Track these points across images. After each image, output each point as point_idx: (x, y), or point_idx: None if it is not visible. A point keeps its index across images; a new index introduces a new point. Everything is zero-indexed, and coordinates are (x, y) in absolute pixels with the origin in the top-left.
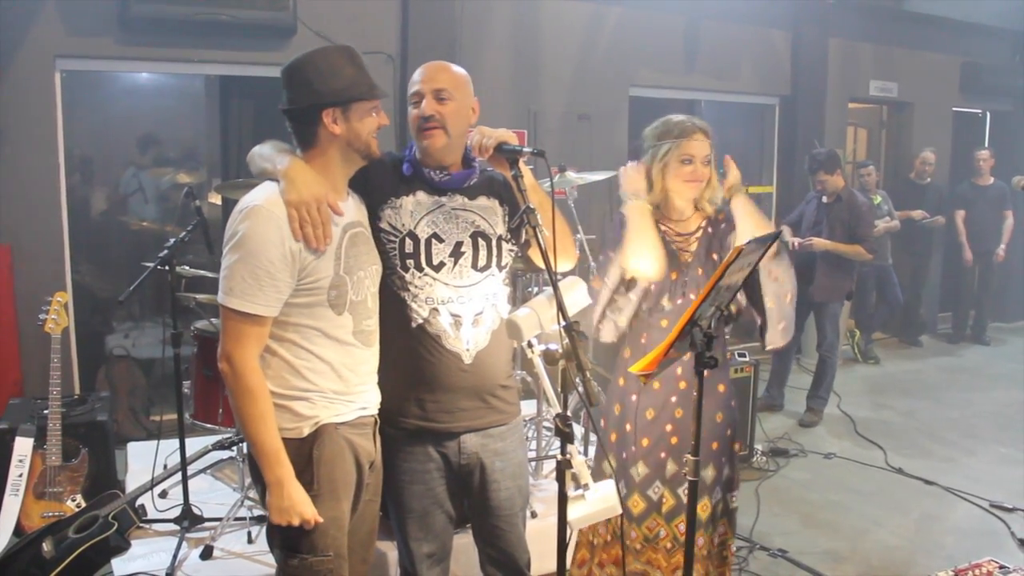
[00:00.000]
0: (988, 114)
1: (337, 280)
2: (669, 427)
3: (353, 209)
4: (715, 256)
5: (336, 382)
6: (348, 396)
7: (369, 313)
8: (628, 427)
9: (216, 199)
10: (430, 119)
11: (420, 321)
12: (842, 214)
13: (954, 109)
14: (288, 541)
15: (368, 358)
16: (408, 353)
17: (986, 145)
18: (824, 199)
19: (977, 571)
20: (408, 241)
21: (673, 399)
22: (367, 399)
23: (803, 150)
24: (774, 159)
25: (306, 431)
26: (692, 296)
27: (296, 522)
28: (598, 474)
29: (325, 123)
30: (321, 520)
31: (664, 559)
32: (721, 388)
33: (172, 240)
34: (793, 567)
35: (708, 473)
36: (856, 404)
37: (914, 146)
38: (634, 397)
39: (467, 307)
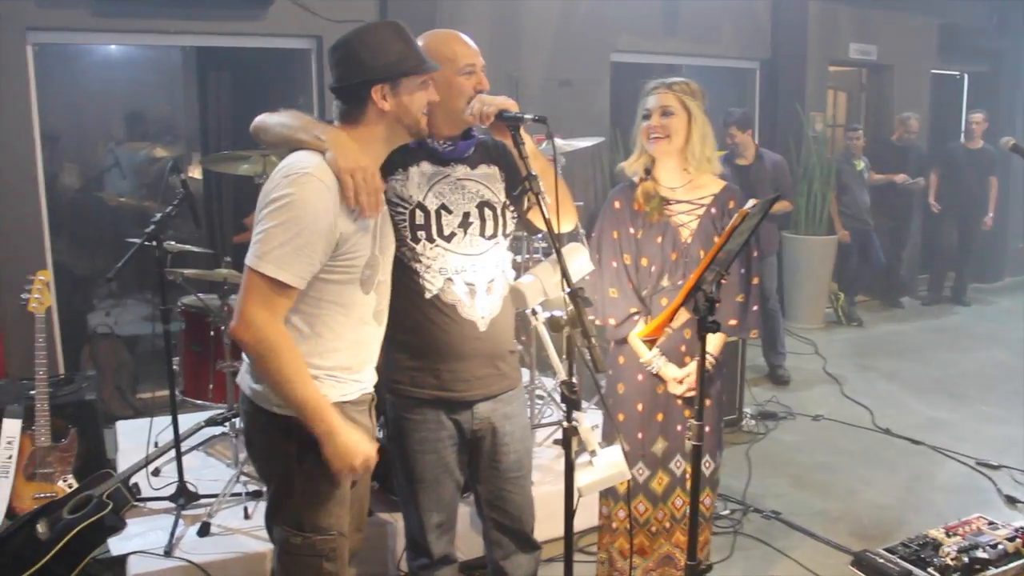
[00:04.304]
0: (966, 76)
1: (372, 260)
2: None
3: None
4: (715, 239)
5: (348, 359)
6: (355, 374)
7: (387, 292)
8: (640, 406)
9: (197, 173)
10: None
11: (435, 292)
12: (767, 173)
13: (932, 71)
14: (292, 519)
15: (379, 336)
16: (422, 324)
17: (965, 107)
18: (737, 161)
19: (967, 527)
20: (418, 213)
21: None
22: (367, 374)
23: (784, 114)
24: (756, 123)
25: None
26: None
27: (359, 462)
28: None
29: (375, 99)
30: (376, 457)
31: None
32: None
33: (159, 215)
34: (787, 528)
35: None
36: (841, 366)
37: (894, 109)
38: (640, 377)
39: (480, 275)
